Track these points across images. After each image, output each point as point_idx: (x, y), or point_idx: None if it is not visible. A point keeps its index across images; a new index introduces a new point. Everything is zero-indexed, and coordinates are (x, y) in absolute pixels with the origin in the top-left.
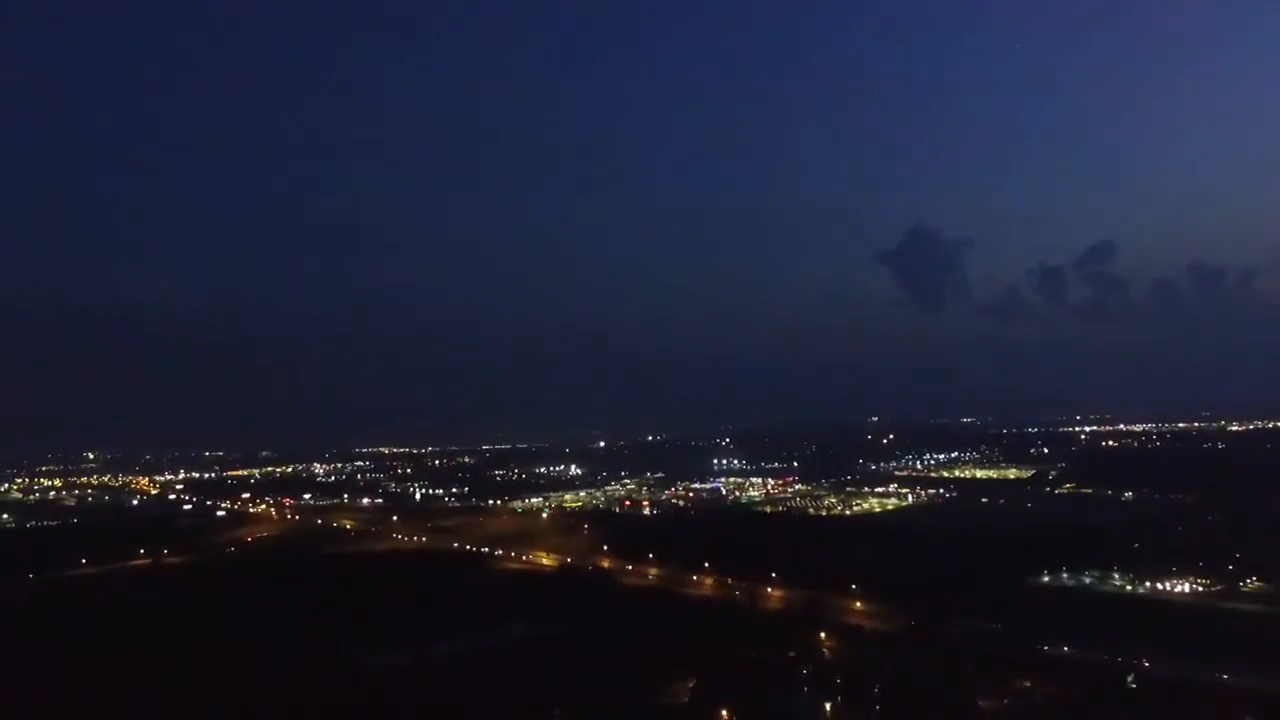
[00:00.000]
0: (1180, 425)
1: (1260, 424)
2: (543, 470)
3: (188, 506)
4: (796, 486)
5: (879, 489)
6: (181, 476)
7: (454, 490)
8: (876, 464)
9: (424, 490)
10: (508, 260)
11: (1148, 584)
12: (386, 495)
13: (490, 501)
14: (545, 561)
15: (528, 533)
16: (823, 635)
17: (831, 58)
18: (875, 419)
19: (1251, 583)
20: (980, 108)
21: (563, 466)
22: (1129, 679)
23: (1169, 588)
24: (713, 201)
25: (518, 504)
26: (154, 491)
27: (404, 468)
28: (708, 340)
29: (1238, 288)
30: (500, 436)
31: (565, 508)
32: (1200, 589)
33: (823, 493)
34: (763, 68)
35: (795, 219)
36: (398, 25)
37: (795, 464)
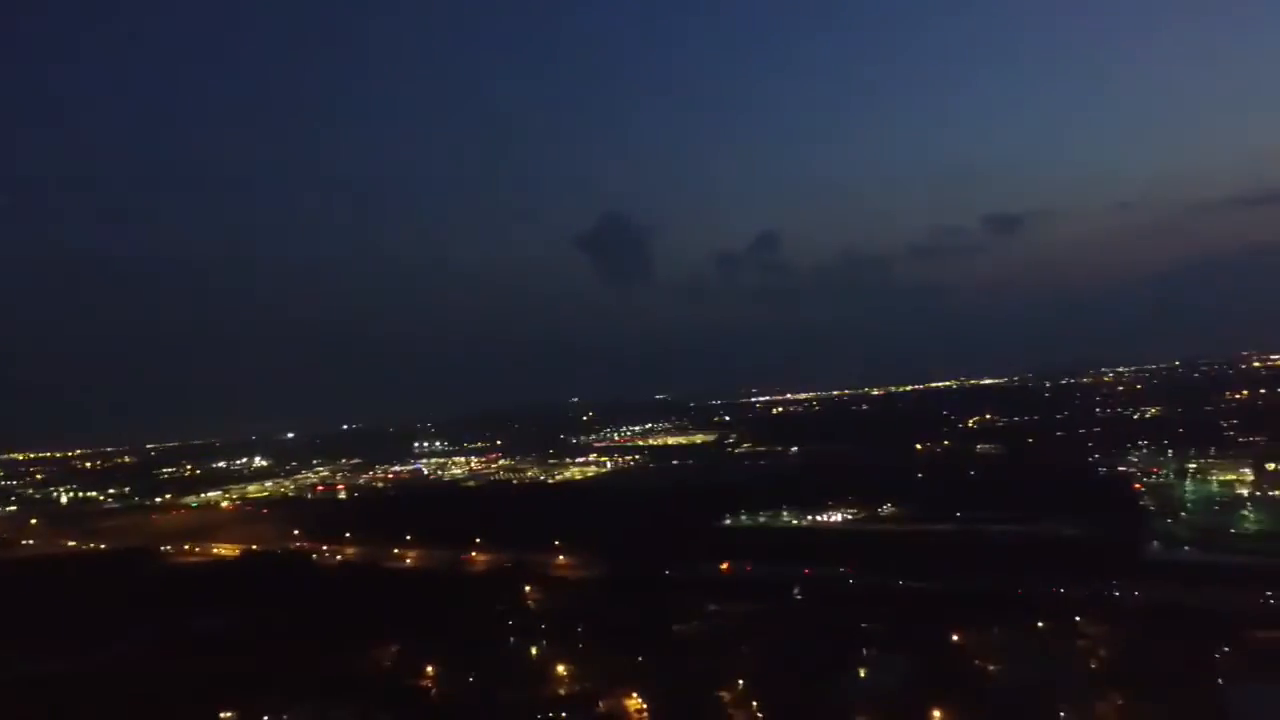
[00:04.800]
0: (834, 392)
1: (895, 388)
2: (222, 464)
3: None
4: (500, 462)
5: (579, 459)
6: None
7: (111, 492)
8: (578, 438)
9: (72, 494)
10: (179, 246)
11: (809, 517)
12: (22, 502)
13: (157, 500)
14: (225, 552)
15: (204, 527)
16: (528, 589)
17: (537, 53)
18: (576, 399)
19: (887, 509)
20: (668, 104)
21: (245, 459)
22: (794, 591)
23: (827, 519)
24: (407, 187)
25: (191, 500)
26: None
27: (43, 473)
28: (405, 327)
29: (879, 273)
30: (167, 433)
31: (249, 499)
32: (850, 517)
33: (526, 466)
34: (467, 59)
35: (494, 207)
36: None
37: (499, 442)
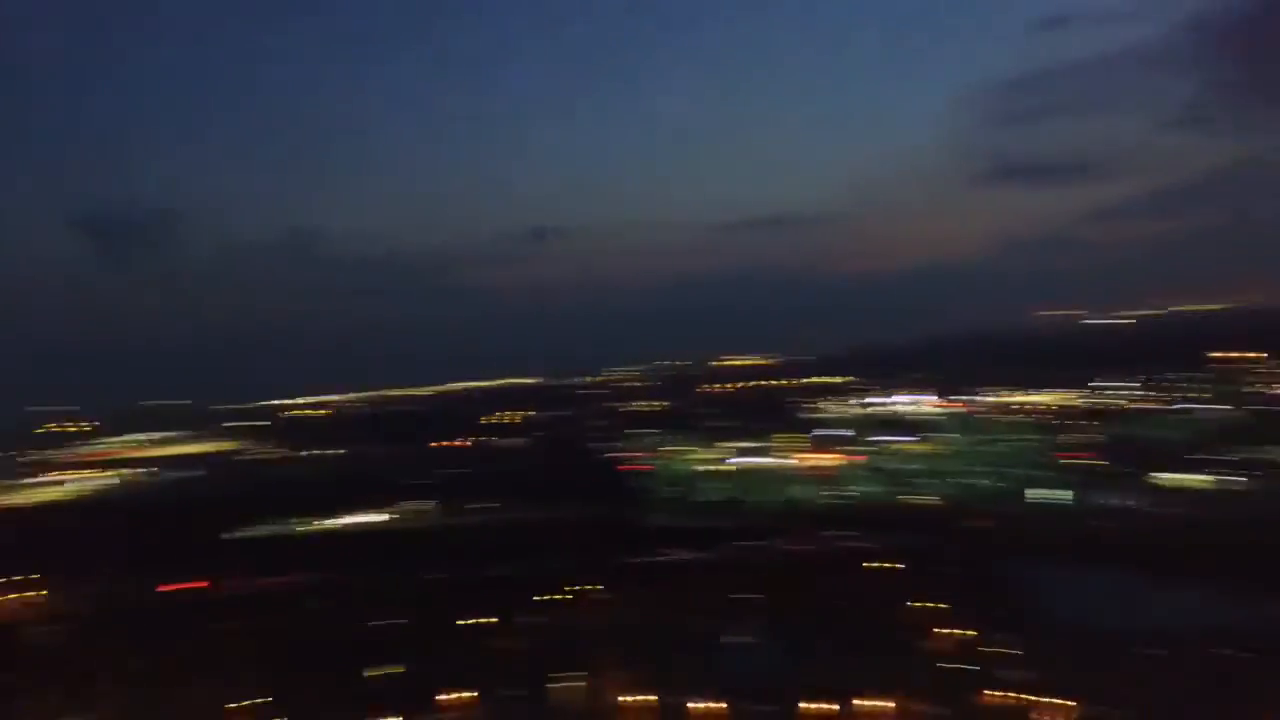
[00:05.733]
0: (380, 393)
1: (438, 387)
2: None
3: None
4: None
5: (59, 474)
6: None
7: None
8: (60, 451)
9: None
10: None
11: (337, 521)
12: None
13: None
14: None
15: None
16: None
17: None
18: (77, 406)
19: (419, 506)
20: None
21: None
22: (308, 599)
23: (357, 520)
24: None
25: None
26: None
27: None
28: None
29: (427, 275)
30: None
31: None
32: (381, 518)
33: None
34: None
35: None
36: None
37: None
